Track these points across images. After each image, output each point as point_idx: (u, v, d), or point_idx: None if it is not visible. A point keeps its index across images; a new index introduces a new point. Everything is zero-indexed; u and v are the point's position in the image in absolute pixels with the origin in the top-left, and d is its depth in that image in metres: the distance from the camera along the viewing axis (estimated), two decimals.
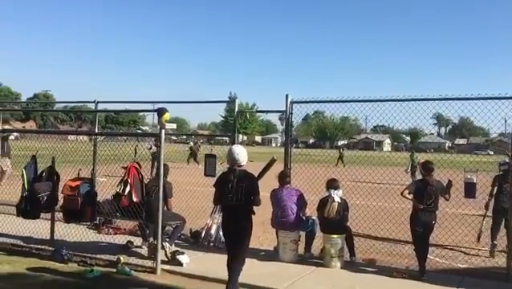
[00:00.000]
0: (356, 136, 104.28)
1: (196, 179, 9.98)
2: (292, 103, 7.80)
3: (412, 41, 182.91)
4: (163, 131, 6.51)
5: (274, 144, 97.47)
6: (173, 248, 7.01)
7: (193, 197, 9.04)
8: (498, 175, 7.79)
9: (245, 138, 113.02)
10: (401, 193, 6.40)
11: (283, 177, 7.37)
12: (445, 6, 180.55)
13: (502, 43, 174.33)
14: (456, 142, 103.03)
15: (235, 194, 5.10)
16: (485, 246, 8.02)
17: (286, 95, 7.83)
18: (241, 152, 5.29)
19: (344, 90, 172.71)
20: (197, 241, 7.98)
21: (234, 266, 5.22)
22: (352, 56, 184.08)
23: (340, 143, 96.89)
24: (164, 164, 6.78)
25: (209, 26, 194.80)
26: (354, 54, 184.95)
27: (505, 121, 6.27)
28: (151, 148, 13.82)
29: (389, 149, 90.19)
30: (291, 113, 7.83)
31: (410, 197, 6.37)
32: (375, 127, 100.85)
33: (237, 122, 8.31)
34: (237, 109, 8.32)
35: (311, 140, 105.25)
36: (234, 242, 5.23)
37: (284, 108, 7.78)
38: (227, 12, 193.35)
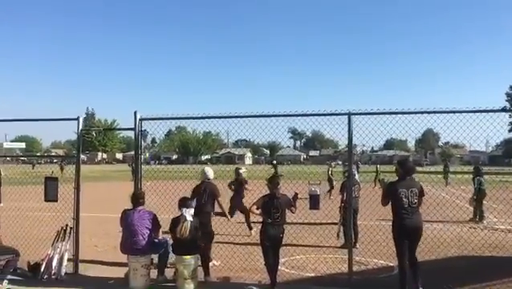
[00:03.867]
0: (219, 150, 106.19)
1: (38, 204, 8.99)
2: (141, 120, 7.54)
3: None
4: None
5: None
6: (6, 286, 6.24)
7: (33, 225, 8.11)
8: (344, 181, 8.45)
9: (105, 156, 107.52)
10: (249, 209, 6.47)
11: (135, 199, 6.97)
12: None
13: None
14: (310, 154, 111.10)
15: None
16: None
17: (135, 112, 7.53)
18: None
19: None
20: (36, 275, 7.13)
21: None
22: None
23: (204, 158, 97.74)
24: None
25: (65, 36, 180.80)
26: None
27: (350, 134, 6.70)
28: None
29: (250, 162, 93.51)
30: (141, 130, 7.56)
31: (258, 212, 6.46)
32: (236, 141, 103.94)
33: (80, 140, 7.84)
34: (81, 127, 7.74)
35: (174, 156, 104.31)
36: None
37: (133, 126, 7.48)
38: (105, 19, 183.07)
